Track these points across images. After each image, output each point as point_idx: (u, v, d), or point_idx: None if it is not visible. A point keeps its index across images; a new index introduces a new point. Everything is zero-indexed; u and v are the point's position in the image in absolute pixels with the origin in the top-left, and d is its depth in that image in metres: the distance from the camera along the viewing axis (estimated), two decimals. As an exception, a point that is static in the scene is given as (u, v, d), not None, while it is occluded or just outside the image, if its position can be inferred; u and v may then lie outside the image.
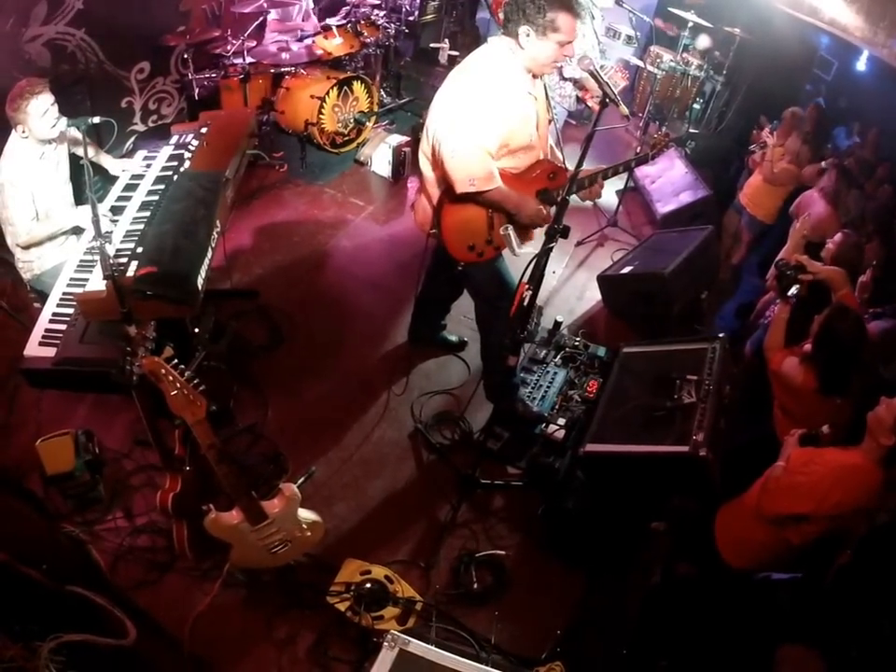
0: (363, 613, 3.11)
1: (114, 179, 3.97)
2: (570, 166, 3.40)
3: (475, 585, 3.39)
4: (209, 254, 3.17)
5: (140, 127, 5.81)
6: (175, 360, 2.41)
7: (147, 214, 3.42)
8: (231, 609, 3.25)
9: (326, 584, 3.23)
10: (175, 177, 3.55)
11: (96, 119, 3.03)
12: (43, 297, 3.97)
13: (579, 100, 5.76)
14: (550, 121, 3.46)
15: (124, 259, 3.07)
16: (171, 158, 3.81)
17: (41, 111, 3.54)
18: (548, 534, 3.60)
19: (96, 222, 2.80)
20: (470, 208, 3.34)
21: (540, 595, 3.43)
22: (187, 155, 3.67)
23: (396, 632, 2.50)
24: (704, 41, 6.54)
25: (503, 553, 3.51)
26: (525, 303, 2.94)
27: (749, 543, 2.98)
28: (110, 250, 3.24)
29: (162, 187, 3.57)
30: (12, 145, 3.69)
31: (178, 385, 2.42)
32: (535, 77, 3.28)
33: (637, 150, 3.66)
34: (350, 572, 3.27)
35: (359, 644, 3.14)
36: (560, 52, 3.14)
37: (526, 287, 2.91)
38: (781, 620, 2.90)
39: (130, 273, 2.98)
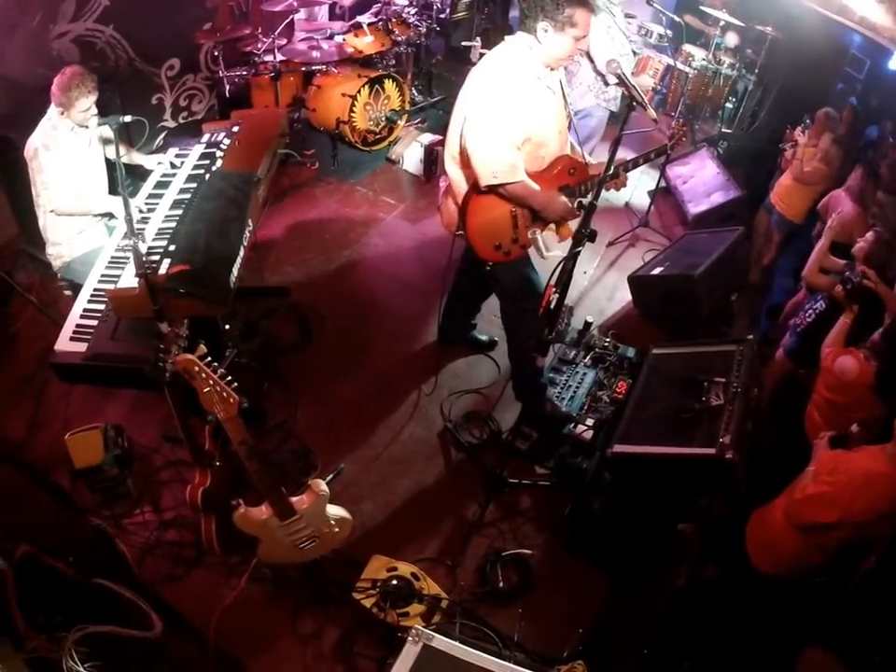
0: (389, 610, 3.12)
1: (145, 176, 4.00)
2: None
3: (500, 584, 3.40)
4: (241, 253, 3.19)
5: (170, 123, 5.86)
6: (209, 358, 2.42)
7: (179, 212, 3.46)
8: (257, 604, 3.28)
9: (352, 580, 3.24)
10: (207, 176, 3.58)
11: (128, 118, 3.05)
12: (73, 286, 4.04)
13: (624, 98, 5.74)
14: (568, 117, 3.47)
15: (156, 257, 3.10)
16: (202, 156, 3.84)
17: (85, 106, 3.65)
18: (574, 534, 3.59)
19: (129, 221, 2.83)
20: (495, 208, 3.35)
21: (565, 594, 3.43)
22: (218, 154, 3.70)
23: (420, 627, 2.52)
24: (732, 39, 6.49)
25: (529, 552, 3.52)
26: (553, 306, 2.94)
27: (782, 551, 2.96)
28: (142, 248, 3.29)
29: (194, 185, 3.60)
30: (50, 114, 3.77)
31: (211, 382, 2.44)
32: (552, 70, 3.29)
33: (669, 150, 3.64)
34: (377, 569, 3.29)
35: (384, 641, 3.15)
36: (575, 46, 3.16)
37: (554, 289, 2.92)
38: (805, 624, 2.90)
39: (162, 270, 3.01)
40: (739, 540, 3.13)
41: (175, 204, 3.55)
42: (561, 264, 2.92)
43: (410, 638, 2.50)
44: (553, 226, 3.53)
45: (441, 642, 2.51)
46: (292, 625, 3.23)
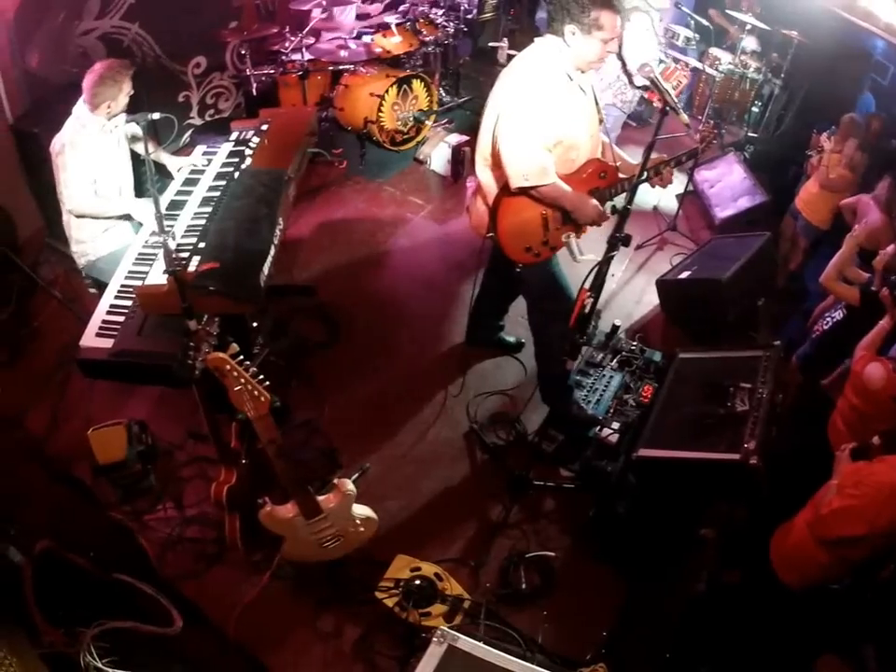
0: (411, 610, 3.12)
1: (172, 174, 4.02)
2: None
3: (523, 585, 3.39)
4: (272, 252, 3.18)
5: (197, 121, 5.88)
6: (241, 356, 2.43)
7: (208, 210, 3.46)
8: (279, 602, 3.28)
9: (375, 579, 3.24)
10: (237, 174, 3.58)
11: (156, 115, 3.04)
12: (98, 283, 4.05)
13: (642, 100, 5.74)
14: (601, 121, 3.46)
15: (185, 254, 3.11)
16: (231, 154, 3.84)
17: (124, 100, 3.70)
18: (597, 537, 3.58)
19: (159, 218, 2.83)
20: (525, 210, 3.36)
21: (587, 597, 3.42)
22: (247, 152, 3.70)
23: (445, 628, 2.50)
24: (751, 43, 6.46)
25: (552, 554, 3.51)
26: (587, 310, 2.94)
27: (809, 566, 2.93)
28: (171, 245, 3.29)
29: (223, 183, 3.61)
30: (78, 111, 3.77)
31: (242, 380, 2.44)
32: (583, 72, 3.28)
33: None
34: (400, 568, 3.29)
35: (405, 640, 3.15)
36: (604, 49, 3.15)
37: (588, 294, 2.91)
38: (822, 631, 2.88)
39: (191, 268, 3.01)
40: (759, 547, 3.11)
41: (205, 202, 3.55)
42: (595, 268, 2.92)
43: (434, 639, 2.48)
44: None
45: (466, 643, 2.49)
46: (313, 623, 3.24)
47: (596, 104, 3.42)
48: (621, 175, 3.43)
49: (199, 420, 3.90)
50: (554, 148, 3.25)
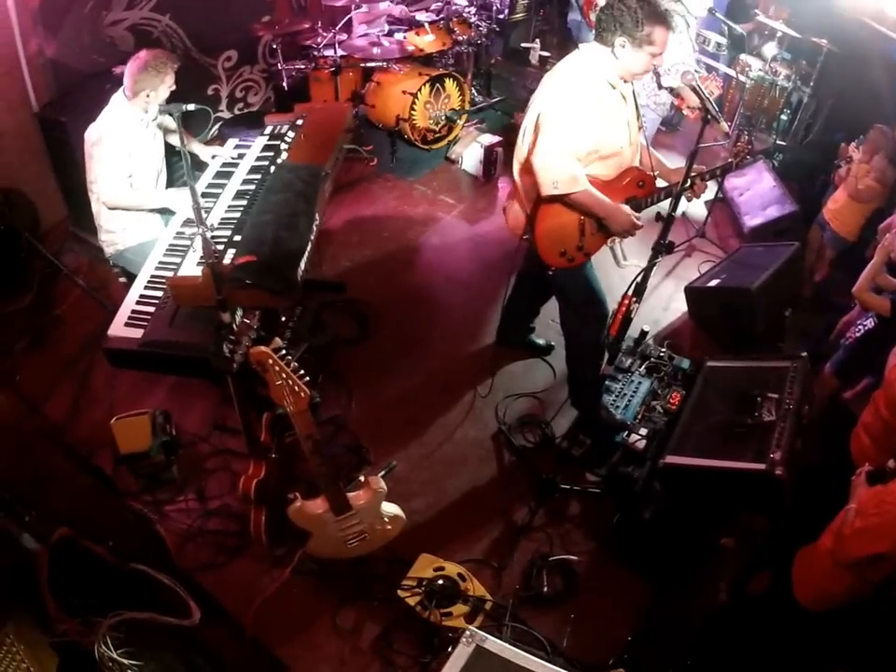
0: (433, 609, 3.11)
1: (201, 166, 4.01)
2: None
3: (545, 588, 3.38)
4: (309, 247, 3.17)
5: (226, 114, 5.90)
6: (283, 351, 2.42)
7: (243, 203, 3.46)
8: (299, 597, 3.28)
9: (397, 577, 3.24)
10: (272, 168, 3.58)
11: (191, 107, 3.03)
12: (126, 273, 4.04)
13: (673, 106, 5.73)
14: (640, 128, 3.45)
15: (220, 247, 3.08)
16: (266, 148, 3.84)
17: (166, 90, 3.70)
18: (621, 543, 3.57)
19: (197, 209, 2.82)
20: (563, 214, 3.36)
21: (608, 602, 3.40)
22: (283, 146, 3.69)
23: (473, 628, 2.50)
24: (771, 49, 6.44)
25: (575, 558, 3.50)
26: (631, 316, 2.95)
27: (832, 592, 2.91)
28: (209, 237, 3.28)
29: (258, 176, 3.61)
30: (117, 101, 3.77)
31: (284, 375, 2.44)
32: (625, 81, 3.28)
33: (727, 160, 3.64)
34: (423, 567, 3.28)
35: (424, 640, 3.14)
36: (651, 62, 3.16)
37: (633, 299, 2.93)
38: (835, 645, 2.87)
39: (226, 260, 3.00)
40: (781, 560, 3.10)
41: (239, 195, 3.55)
42: (640, 275, 2.92)
43: (463, 639, 2.48)
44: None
45: (494, 644, 2.49)
46: (332, 619, 3.23)
47: (637, 112, 3.42)
48: (658, 185, 3.44)
49: (223, 412, 3.95)
50: (589, 157, 3.25)
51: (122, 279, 4.18)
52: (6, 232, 4.46)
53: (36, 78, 4.65)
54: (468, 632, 2.49)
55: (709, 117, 2.90)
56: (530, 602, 3.35)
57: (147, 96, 3.68)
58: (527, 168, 3.32)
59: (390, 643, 3.16)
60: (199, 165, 4.07)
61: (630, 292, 2.97)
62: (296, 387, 2.47)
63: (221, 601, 3.21)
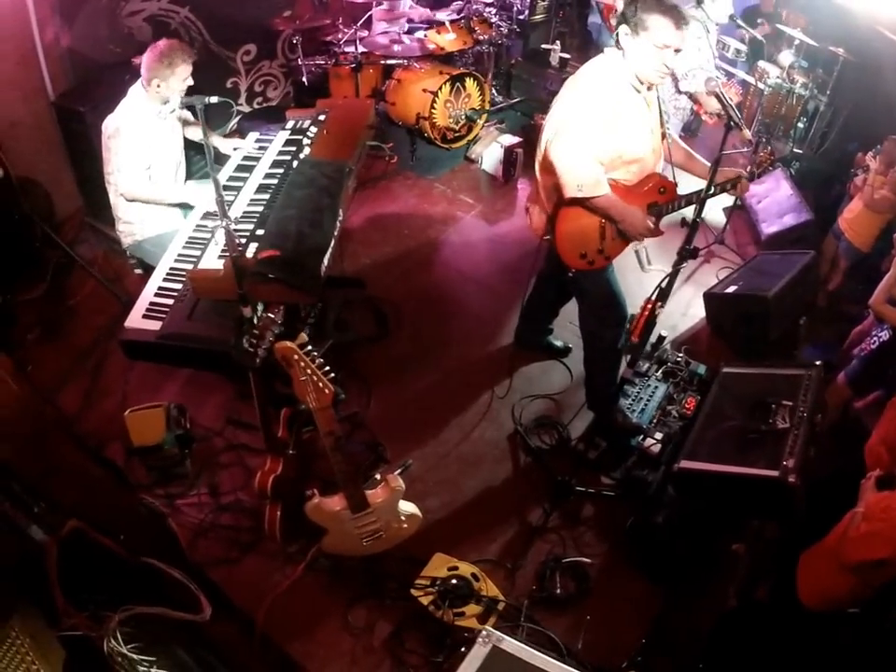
0: (446, 609, 3.10)
1: (220, 159, 4.00)
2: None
3: (558, 591, 3.37)
4: (332, 243, 3.16)
5: (245, 108, 5.90)
6: (309, 347, 2.41)
7: (265, 197, 3.45)
8: (311, 594, 3.27)
9: (411, 576, 3.23)
10: (295, 163, 3.56)
11: (214, 99, 3.01)
12: (142, 264, 4.03)
13: (692, 111, 5.72)
14: (663, 136, 3.44)
15: (242, 240, 3.06)
16: (288, 142, 3.83)
17: (181, 81, 3.68)
18: (634, 546, 3.57)
19: (220, 202, 2.81)
20: (584, 217, 3.36)
21: (620, 605, 3.40)
22: (305, 141, 3.68)
23: (490, 628, 2.49)
24: (787, 57, 6.43)
25: (588, 561, 3.49)
26: (655, 320, 2.96)
27: (834, 593, 2.91)
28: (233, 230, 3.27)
29: (280, 171, 3.59)
30: (135, 92, 3.77)
31: (309, 371, 2.43)
32: (648, 88, 3.26)
33: (746, 168, 3.63)
34: (437, 566, 3.27)
35: (436, 639, 3.13)
36: (658, 57, 3.08)
37: (659, 304, 2.95)
38: (842, 655, 2.87)
39: (248, 254, 2.99)
40: (788, 566, 3.10)
41: (261, 189, 3.55)
42: (665, 279, 2.92)
43: (479, 640, 2.47)
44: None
45: (511, 645, 2.48)
46: (344, 617, 3.22)
47: (661, 120, 3.40)
48: (679, 192, 3.45)
49: (238, 407, 3.95)
50: (613, 161, 3.25)
51: (138, 271, 4.17)
52: (21, 221, 4.44)
53: (53, 67, 4.65)
54: (484, 632, 2.48)
55: (732, 124, 2.89)
56: (543, 603, 3.34)
57: (158, 87, 3.67)
58: (548, 169, 3.31)
59: (402, 642, 3.15)
60: (219, 158, 4.06)
61: (654, 296, 2.97)
62: (320, 384, 2.47)
63: (232, 597, 3.21)
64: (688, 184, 3.52)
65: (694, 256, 2.98)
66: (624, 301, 3.69)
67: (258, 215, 3.33)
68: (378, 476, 3.08)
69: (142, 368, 4.08)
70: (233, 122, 5.64)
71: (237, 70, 5.72)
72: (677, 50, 3.08)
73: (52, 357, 4.25)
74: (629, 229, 3.37)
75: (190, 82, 3.73)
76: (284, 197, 3.35)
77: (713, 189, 3.27)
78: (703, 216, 4.27)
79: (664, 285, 3.02)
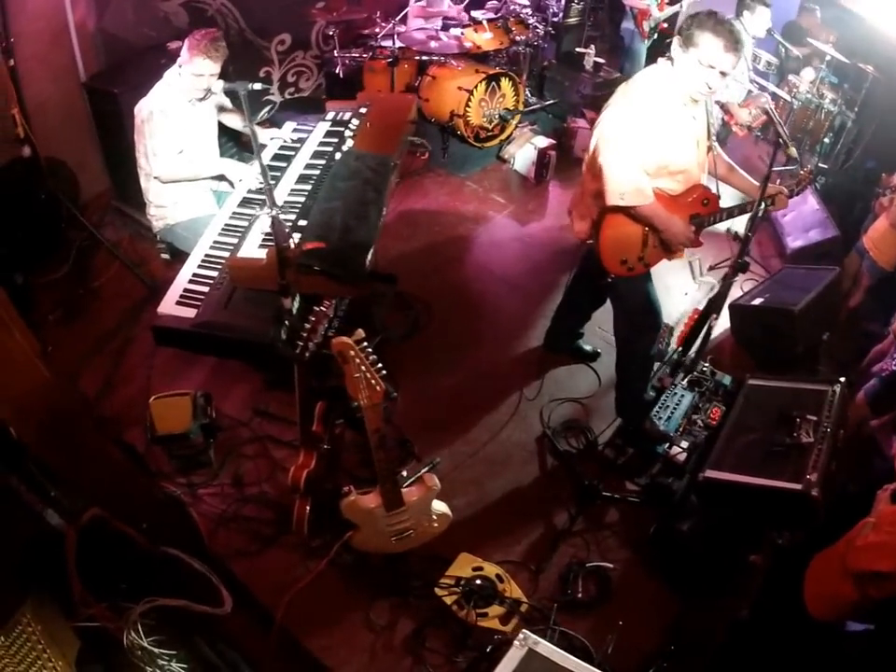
0: (470, 609, 3.09)
1: (249, 146, 3.98)
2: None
3: (580, 594, 3.37)
4: (377, 237, 3.15)
5: (276, 98, 5.88)
6: (364, 343, 2.40)
7: (307, 187, 3.44)
8: (332, 589, 3.25)
9: (434, 575, 3.22)
10: (338, 155, 3.55)
11: (257, 86, 2.99)
12: (172, 249, 4.01)
13: (722, 122, 5.74)
14: (709, 148, 3.46)
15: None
16: (329, 134, 3.82)
17: (202, 70, 3.64)
18: (656, 554, 3.57)
19: (269, 192, 2.79)
20: (628, 225, 3.38)
21: (640, 612, 3.38)
22: (348, 133, 3.67)
23: (527, 632, 2.51)
24: (809, 73, 6.46)
25: (611, 566, 3.49)
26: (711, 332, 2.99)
27: (836, 600, 2.93)
28: (266, 221, 3.25)
29: (322, 162, 3.59)
30: (169, 78, 3.76)
31: (363, 368, 2.42)
32: (696, 100, 3.27)
33: (778, 182, 3.66)
34: (462, 566, 3.26)
35: (458, 639, 3.13)
36: (703, 76, 3.10)
37: (714, 317, 3.01)
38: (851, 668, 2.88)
39: (291, 244, 2.97)
40: (798, 579, 3.12)
41: (302, 179, 3.54)
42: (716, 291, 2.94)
43: (516, 642, 2.49)
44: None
45: (545, 648, 2.50)
46: (366, 613, 3.21)
47: (709, 132, 3.42)
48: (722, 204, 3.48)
49: (265, 397, 3.93)
50: (659, 171, 3.28)
51: (166, 256, 4.16)
52: (47, 201, 4.41)
53: (86, 48, 4.65)
54: (521, 635, 2.50)
55: (781, 141, 2.92)
56: (565, 607, 3.33)
57: (180, 67, 3.69)
58: (595, 174, 3.32)
59: (423, 641, 3.14)
60: (248, 145, 4.04)
61: (700, 308, 2.99)
62: (373, 381, 2.46)
63: (252, 589, 3.19)
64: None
65: (745, 270, 3.01)
66: (660, 308, 3.71)
67: (299, 205, 3.31)
68: (405, 473, 3.08)
69: (164, 354, 4.05)
70: (264, 112, 5.64)
71: (271, 59, 5.72)
72: (723, 73, 3.09)
73: (73, 340, 4.23)
74: (671, 238, 3.39)
75: (211, 83, 3.70)
76: (327, 188, 3.33)
77: (754, 205, 3.34)
78: (729, 226, 4.30)
79: (715, 297, 3.05)
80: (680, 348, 3.28)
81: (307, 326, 2.54)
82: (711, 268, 5.47)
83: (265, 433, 3.82)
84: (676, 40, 3.11)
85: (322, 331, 2.58)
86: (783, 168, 3.09)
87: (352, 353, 2.37)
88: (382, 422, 2.60)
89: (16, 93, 4.01)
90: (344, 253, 2.95)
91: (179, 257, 4.08)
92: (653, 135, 3.16)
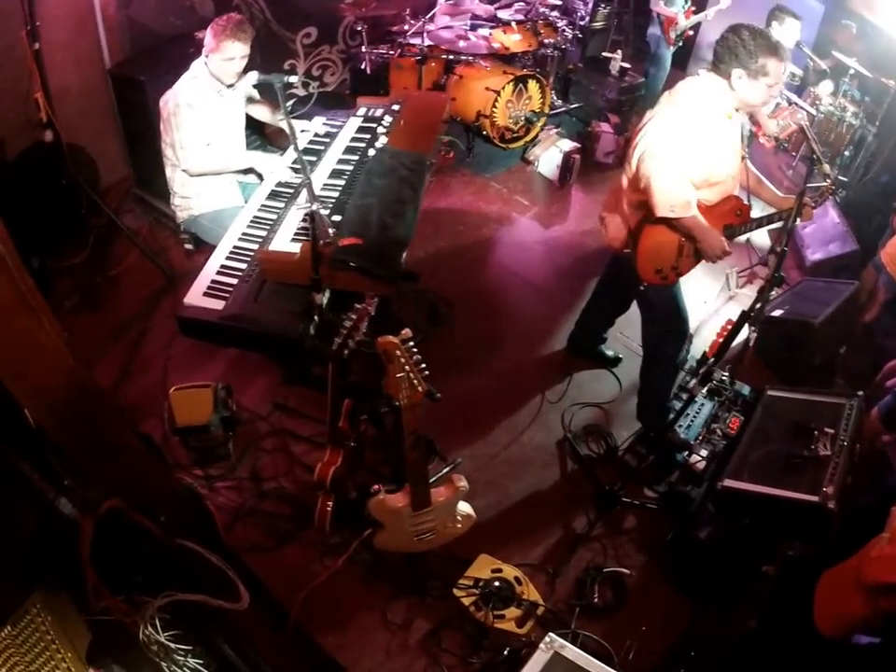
0: (488, 610, 3.08)
1: (273, 139, 3.99)
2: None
3: (596, 599, 3.38)
4: (412, 236, 3.15)
5: (300, 91, 5.85)
6: (410, 343, 2.39)
7: (340, 182, 3.43)
8: (349, 587, 3.24)
9: (453, 575, 3.21)
10: (371, 151, 3.55)
11: (293, 78, 2.99)
12: (196, 240, 3.99)
13: (750, 132, 5.75)
14: (743, 158, 3.47)
15: (319, 226, 3.05)
16: (361, 130, 3.82)
17: (232, 54, 3.62)
18: (671, 561, 3.58)
19: (309, 186, 2.79)
20: (665, 234, 3.40)
21: (655, 618, 3.39)
22: (381, 130, 3.66)
23: (553, 635, 2.53)
24: (827, 87, 6.49)
25: (628, 571, 3.49)
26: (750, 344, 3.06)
27: (845, 613, 2.93)
28: (298, 215, 3.24)
29: (355, 157, 3.59)
30: (195, 71, 3.73)
31: (407, 367, 2.41)
32: (737, 110, 3.32)
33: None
34: (481, 568, 3.25)
35: (474, 640, 3.12)
36: (768, 93, 3.21)
37: (752, 329, 3.03)
38: None
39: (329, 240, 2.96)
40: (808, 593, 3.13)
41: (335, 174, 3.53)
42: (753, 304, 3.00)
43: (542, 645, 2.51)
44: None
45: (570, 652, 2.52)
46: (382, 612, 3.20)
47: (743, 143, 3.44)
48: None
49: (284, 392, 3.91)
50: (703, 183, 3.30)
51: (189, 246, 4.14)
52: (67, 187, 4.38)
53: (112, 35, 4.62)
54: (547, 638, 2.52)
55: (815, 157, 2.95)
56: (581, 611, 3.33)
57: (206, 62, 3.67)
58: (638, 185, 3.33)
59: (439, 641, 3.13)
60: (274, 140, 4.02)
61: (739, 319, 3.01)
62: (415, 381, 2.45)
63: (267, 585, 3.17)
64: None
65: (780, 284, 3.03)
66: (688, 316, 3.72)
67: (333, 200, 3.31)
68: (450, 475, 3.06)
69: (181, 345, 4.03)
70: (288, 105, 5.60)
71: (296, 52, 5.70)
72: (777, 83, 3.19)
73: (89, 327, 4.20)
74: (707, 249, 3.39)
75: (243, 65, 3.69)
76: (363, 184, 3.33)
77: (782, 215, 3.44)
78: (748, 236, 4.32)
79: (750, 310, 3.07)
80: (712, 358, 3.28)
81: (348, 324, 2.53)
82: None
83: (284, 427, 3.80)
84: (738, 72, 3.12)
85: (363, 329, 2.56)
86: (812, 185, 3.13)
87: (397, 352, 2.37)
88: (417, 423, 2.60)
89: (40, 77, 3.98)
90: (381, 250, 2.94)
91: (202, 247, 4.09)
92: (701, 147, 3.19)
